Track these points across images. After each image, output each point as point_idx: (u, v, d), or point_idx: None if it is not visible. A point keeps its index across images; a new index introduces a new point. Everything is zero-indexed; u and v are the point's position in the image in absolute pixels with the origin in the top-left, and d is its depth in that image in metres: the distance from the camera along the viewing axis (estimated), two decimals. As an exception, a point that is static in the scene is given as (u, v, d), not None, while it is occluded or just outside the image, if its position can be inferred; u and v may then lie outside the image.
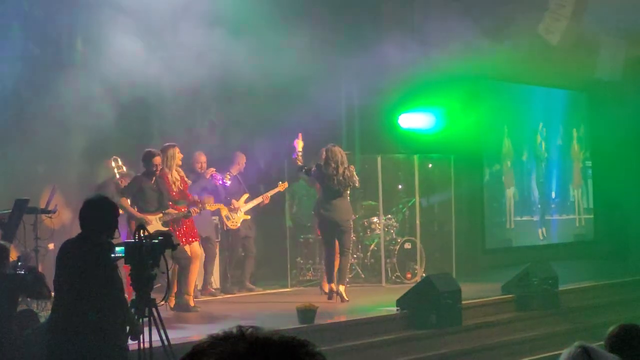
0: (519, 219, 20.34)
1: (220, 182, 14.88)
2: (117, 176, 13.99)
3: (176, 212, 12.95)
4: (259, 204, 15.25)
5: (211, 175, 14.56)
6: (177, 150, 13.18)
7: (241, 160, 15.36)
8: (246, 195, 15.23)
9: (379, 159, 16.28)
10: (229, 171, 15.07)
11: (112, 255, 7.67)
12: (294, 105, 15.15)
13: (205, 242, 14.55)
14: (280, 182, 15.49)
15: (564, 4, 18.32)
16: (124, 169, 14.10)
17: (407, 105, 17.30)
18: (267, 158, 16.61)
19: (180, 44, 14.25)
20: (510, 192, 20.05)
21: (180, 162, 13.24)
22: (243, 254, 15.43)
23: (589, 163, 22.32)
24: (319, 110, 15.62)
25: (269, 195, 15.31)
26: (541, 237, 20.84)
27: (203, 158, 14.61)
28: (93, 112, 13.79)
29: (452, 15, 17.81)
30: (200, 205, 13.21)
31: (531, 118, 20.98)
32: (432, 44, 17.55)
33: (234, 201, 14.96)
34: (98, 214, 7.54)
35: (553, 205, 21.23)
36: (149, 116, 14.67)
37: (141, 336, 8.00)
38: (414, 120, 17.36)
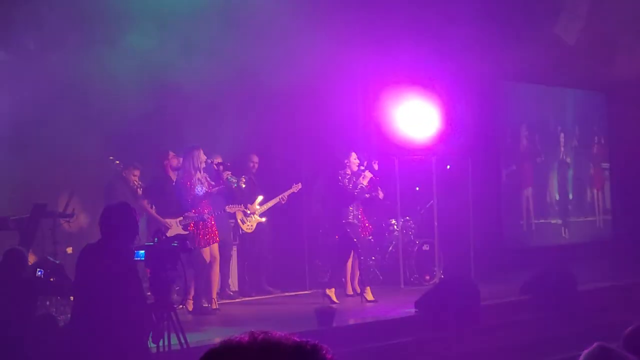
0: (536, 221, 20.26)
1: (235, 185, 14.87)
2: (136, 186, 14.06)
3: (193, 215, 12.97)
4: (278, 203, 15.23)
5: (226, 179, 14.54)
6: (201, 151, 13.19)
7: (254, 161, 15.32)
8: (260, 198, 15.22)
9: (397, 160, 16.25)
10: (244, 174, 15.07)
11: (132, 259, 7.72)
12: (312, 107, 15.16)
13: (222, 246, 14.56)
14: (295, 184, 15.46)
15: (580, 3, 18.27)
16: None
17: (424, 107, 17.24)
18: (284, 159, 16.60)
19: (200, 47, 14.27)
20: (528, 192, 19.97)
21: (203, 164, 13.25)
22: (259, 256, 15.41)
23: (606, 164, 22.18)
24: (336, 112, 15.63)
25: (286, 195, 15.31)
26: (571, 241, 20.76)
27: (220, 160, 14.59)
28: (111, 115, 13.82)
29: (468, 16, 17.77)
30: (207, 214, 13.17)
31: (549, 119, 20.89)
32: (449, 45, 17.52)
33: (248, 205, 14.96)
34: (119, 220, 7.58)
35: (570, 207, 21.11)
36: (167, 119, 14.68)
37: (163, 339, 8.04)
38: (430, 122, 17.29)
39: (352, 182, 14.15)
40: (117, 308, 7.39)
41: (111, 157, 14.18)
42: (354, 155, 14.31)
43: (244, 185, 15.06)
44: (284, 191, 15.38)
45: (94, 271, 7.53)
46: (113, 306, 7.39)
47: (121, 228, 7.57)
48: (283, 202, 15.30)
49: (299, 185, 15.48)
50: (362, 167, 14.33)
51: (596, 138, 21.96)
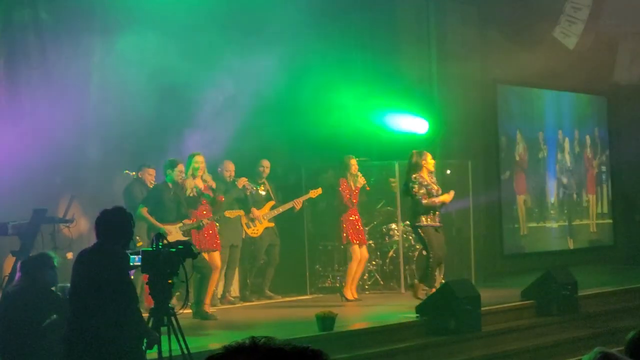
0: (534, 224, 20.23)
1: (253, 191, 14.86)
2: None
3: (191, 222, 12.95)
4: (291, 209, 15.21)
5: (243, 185, 14.56)
6: (200, 157, 13.15)
7: (264, 166, 15.31)
8: (271, 203, 15.20)
9: (397, 164, 16.23)
10: (261, 180, 15.08)
11: (127, 264, 7.70)
12: (312, 110, 15.18)
13: (233, 250, 14.55)
14: (312, 190, 15.38)
15: (579, 6, 18.28)
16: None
17: (423, 112, 17.26)
18: (285, 166, 16.61)
19: (202, 55, 14.27)
20: (521, 199, 19.91)
21: (203, 169, 13.21)
22: (263, 261, 15.40)
23: (604, 168, 22.13)
24: (336, 118, 15.64)
25: (300, 201, 15.27)
26: (571, 246, 20.75)
27: (231, 166, 14.59)
28: (111, 121, 13.81)
29: (468, 21, 17.79)
30: (206, 220, 13.12)
31: (548, 123, 20.85)
32: (447, 50, 17.53)
33: (253, 209, 14.94)
34: (113, 224, 7.59)
35: (568, 211, 21.06)
36: (168, 125, 14.66)
37: (161, 345, 8.01)
38: (427, 126, 17.31)
39: (422, 184, 13.67)
40: (110, 312, 7.39)
41: (126, 171, 14.16)
42: (429, 156, 13.85)
43: (263, 192, 15.06)
44: (284, 199, 15.39)
45: (88, 275, 7.52)
46: (106, 310, 7.38)
47: (116, 231, 7.58)
48: (298, 208, 15.27)
49: (319, 190, 15.39)
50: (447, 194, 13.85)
51: (593, 142, 21.90)
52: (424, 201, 13.56)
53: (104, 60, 13.92)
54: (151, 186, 13.82)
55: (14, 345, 8.65)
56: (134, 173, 14.14)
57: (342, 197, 14.69)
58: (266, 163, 15.31)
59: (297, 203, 15.23)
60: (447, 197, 13.82)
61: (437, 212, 13.74)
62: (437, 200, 13.67)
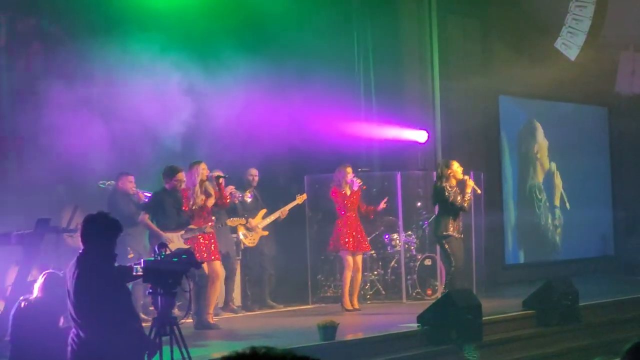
0: (537, 234, 20.27)
1: (239, 199, 14.90)
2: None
3: (195, 227, 12.94)
4: (277, 219, 15.30)
5: (230, 193, 14.51)
6: (202, 166, 13.12)
7: (252, 174, 15.34)
8: (264, 211, 15.25)
9: (399, 175, 16.26)
10: (244, 188, 15.12)
11: (112, 270, 7.68)
12: (312, 119, 15.21)
13: (225, 259, 14.55)
14: (298, 195, 15.46)
15: (581, 18, 18.32)
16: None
17: (425, 123, 17.30)
18: (286, 174, 16.64)
19: (206, 63, 14.33)
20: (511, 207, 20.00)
21: (205, 178, 13.18)
22: (259, 271, 15.43)
23: (607, 177, 22.12)
24: (338, 128, 15.67)
25: (287, 209, 15.34)
26: (560, 252, 20.77)
27: (220, 174, 14.60)
28: (114, 131, 13.84)
29: (470, 33, 17.83)
30: (209, 227, 13.09)
31: (551, 133, 20.86)
32: (449, 62, 17.58)
33: (250, 220, 14.97)
34: (95, 229, 7.57)
35: (568, 220, 21.06)
36: (172, 133, 14.71)
37: (162, 354, 8.03)
38: (431, 137, 17.33)
39: (457, 192, 13.68)
40: (97, 318, 7.43)
41: (100, 182, 14.06)
42: (455, 164, 13.85)
43: (249, 200, 15.08)
44: (284, 205, 15.43)
45: (76, 281, 7.53)
46: (94, 316, 7.42)
47: (98, 237, 7.57)
48: (282, 217, 15.33)
49: (304, 196, 15.46)
50: (467, 177, 13.91)
51: (593, 150, 21.89)
52: (465, 204, 13.70)
53: (108, 68, 13.95)
54: (132, 193, 13.79)
55: (36, 347, 8.75)
56: (110, 182, 14.02)
57: (334, 205, 14.74)
58: (254, 172, 15.35)
59: (283, 212, 15.31)
60: (471, 182, 13.93)
61: (460, 222, 13.85)
62: (468, 194, 13.77)
